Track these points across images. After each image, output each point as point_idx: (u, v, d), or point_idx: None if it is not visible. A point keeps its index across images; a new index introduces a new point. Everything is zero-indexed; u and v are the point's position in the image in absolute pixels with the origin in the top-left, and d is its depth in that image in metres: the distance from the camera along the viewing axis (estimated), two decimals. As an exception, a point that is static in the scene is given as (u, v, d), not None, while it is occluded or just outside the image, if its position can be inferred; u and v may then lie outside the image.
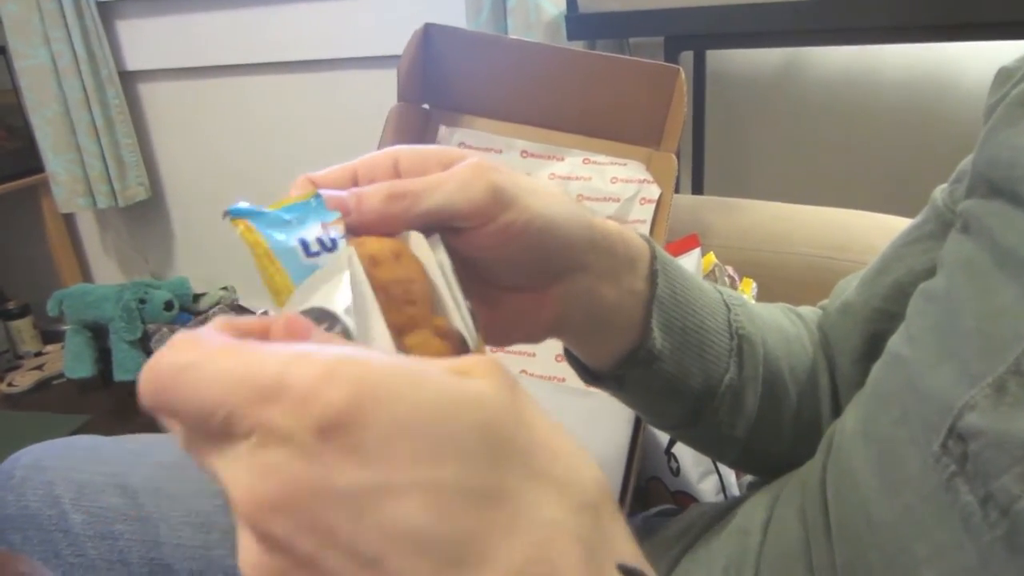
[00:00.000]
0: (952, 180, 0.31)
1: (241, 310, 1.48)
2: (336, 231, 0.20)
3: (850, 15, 0.83)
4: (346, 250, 0.19)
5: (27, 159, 1.46)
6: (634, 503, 0.45)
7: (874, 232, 0.65)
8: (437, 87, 0.60)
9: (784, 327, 0.34)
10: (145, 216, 1.58)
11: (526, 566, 0.13)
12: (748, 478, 0.46)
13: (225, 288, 1.48)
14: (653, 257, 0.28)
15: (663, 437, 0.53)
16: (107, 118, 1.40)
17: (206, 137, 1.49)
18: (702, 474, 0.52)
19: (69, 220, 1.60)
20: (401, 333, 0.18)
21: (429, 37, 0.58)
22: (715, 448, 0.36)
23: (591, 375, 0.31)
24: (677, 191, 0.67)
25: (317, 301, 0.17)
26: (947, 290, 0.25)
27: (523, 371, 0.51)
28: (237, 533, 0.14)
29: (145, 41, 1.42)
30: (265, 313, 0.19)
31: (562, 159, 0.59)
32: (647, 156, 0.58)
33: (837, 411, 0.33)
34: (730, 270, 0.62)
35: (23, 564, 0.39)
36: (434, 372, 0.14)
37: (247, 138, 1.46)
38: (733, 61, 1.15)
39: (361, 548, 0.13)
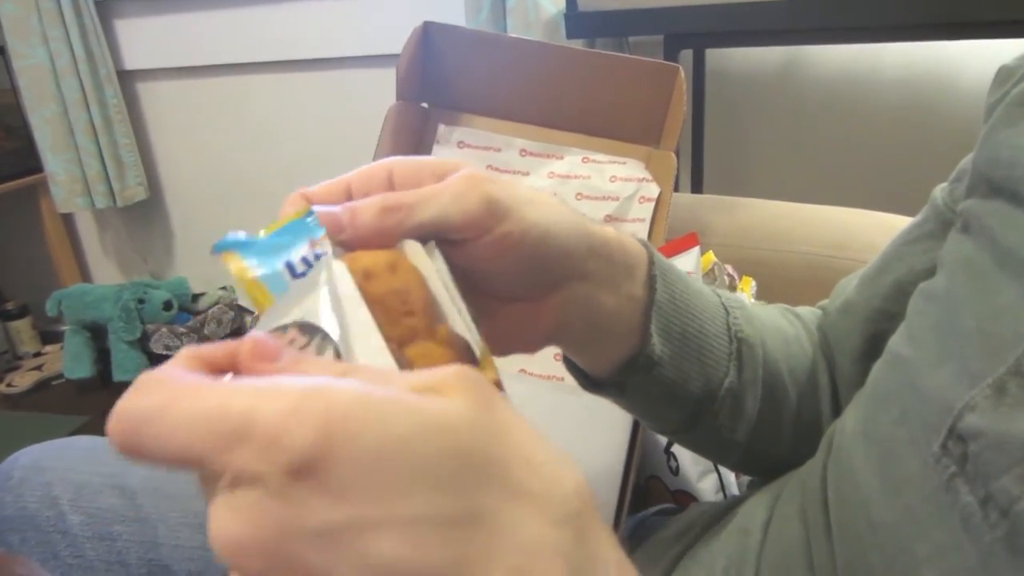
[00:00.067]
0: (952, 179, 0.31)
1: (240, 310, 1.48)
2: (323, 247, 0.19)
3: (850, 13, 0.83)
4: (326, 262, 0.18)
5: (26, 159, 1.46)
6: (633, 502, 0.45)
7: (874, 231, 0.65)
8: (436, 86, 0.60)
9: (783, 328, 0.34)
10: (144, 216, 1.58)
11: None
12: (748, 477, 0.46)
13: (224, 288, 1.48)
14: (651, 262, 0.28)
15: (662, 436, 0.53)
16: (105, 118, 1.39)
17: (205, 137, 1.48)
18: (701, 473, 0.52)
19: (68, 220, 1.60)
20: (402, 345, 0.18)
21: (428, 35, 0.58)
22: (715, 452, 0.36)
23: (591, 382, 0.31)
24: (676, 189, 0.67)
25: (297, 315, 0.17)
26: (947, 290, 0.25)
27: (522, 370, 0.51)
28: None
29: (143, 40, 1.42)
30: (258, 317, 0.19)
31: (561, 158, 0.59)
32: (646, 154, 0.57)
33: (837, 411, 0.33)
34: (729, 269, 0.61)
35: (21, 565, 0.39)
36: (403, 399, 0.14)
37: (246, 137, 1.46)
38: (733, 59, 1.14)
39: None
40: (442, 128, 0.60)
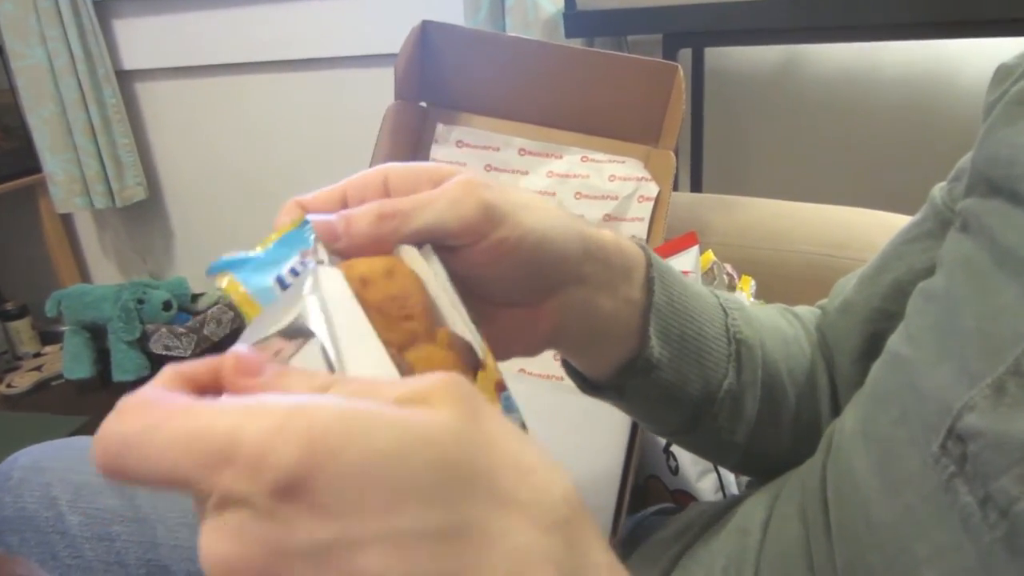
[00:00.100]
0: (951, 178, 0.31)
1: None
2: (314, 257, 0.20)
3: (849, 12, 0.83)
4: (312, 271, 0.18)
5: (24, 159, 1.46)
6: (632, 501, 0.45)
7: (873, 230, 0.64)
8: (434, 85, 0.60)
9: (781, 328, 0.34)
10: (143, 216, 1.57)
11: None
12: (747, 477, 0.45)
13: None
14: (649, 265, 0.28)
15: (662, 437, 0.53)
16: (104, 118, 1.39)
17: (204, 136, 1.48)
18: (701, 472, 0.52)
19: (67, 220, 1.60)
20: (402, 349, 0.18)
21: (426, 35, 0.58)
22: (715, 453, 0.36)
23: (589, 385, 0.31)
24: (675, 189, 0.67)
25: (281, 325, 0.17)
26: (946, 289, 0.25)
27: (521, 370, 0.51)
28: None
29: (142, 40, 1.42)
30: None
31: (560, 157, 0.59)
32: (645, 154, 0.57)
33: (836, 411, 0.33)
34: (729, 268, 0.61)
35: (20, 566, 0.39)
36: (386, 413, 0.14)
37: (245, 137, 1.46)
38: (732, 58, 1.14)
39: None
40: (440, 127, 0.60)
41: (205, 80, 1.43)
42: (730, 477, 0.52)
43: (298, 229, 0.20)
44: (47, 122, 1.39)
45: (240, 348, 0.16)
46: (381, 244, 0.21)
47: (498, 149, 0.59)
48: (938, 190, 0.32)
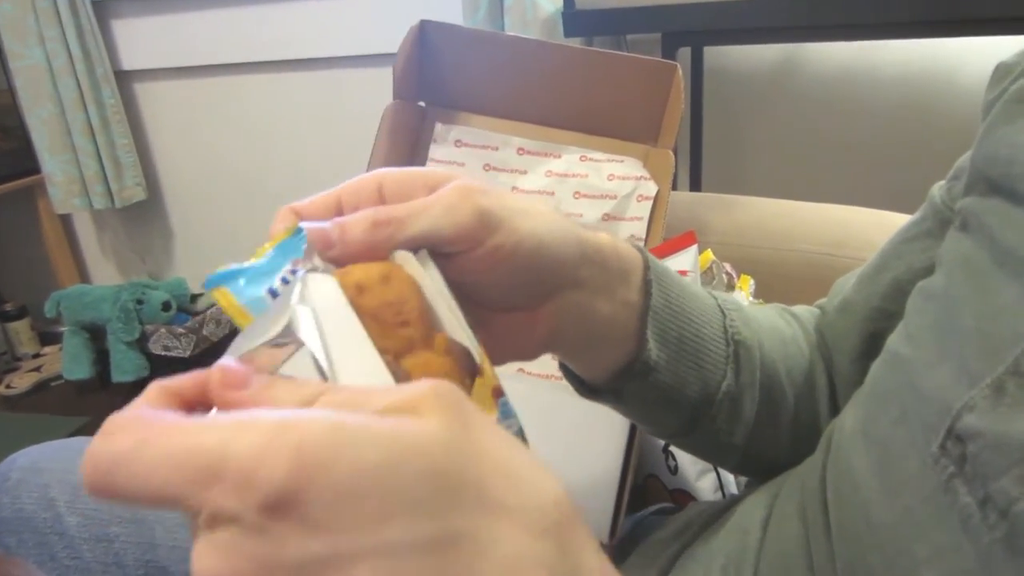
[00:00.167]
0: (950, 177, 0.31)
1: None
2: (305, 265, 0.20)
3: (848, 11, 0.83)
4: (301, 279, 0.18)
5: (23, 160, 1.46)
6: (632, 501, 0.45)
7: (873, 229, 0.64)
8: (433, 84, 0.60)
9: (780, 329, 0.34)
10: (142, 216, 1.57)
11: None
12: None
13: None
14: (646, 267, 0.28)
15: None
16: (103, 118, 1.39)
17: (203, 137, 1.48)
18: (700, 472, 0.52)
19: (66, 221, 1.60)
20: (399, 356, 0.18)
21: (425, 34, 0.58)
22: (714, 455, 0.36)
23: (587, 388, 0.31)
24: (674, 188, 0.67)
25: (270, 335, 0.17)
26: (946, 288, 0.25)
27: (520, 369, 0.51)
28: None
29: (141, 40, 1.42)
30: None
31: (559, 156, 0.59)
32: (644, 153, 0.57)
33: (835, 411, 0.33)
34: (728, 267, 0.61)
35: (18, 567, 0.39)
36: (374, 425, 0.14)
37: (244, 137, 1.45)
38: (731, 57, 1.14)
39: None
40: (439, 127, 0.60)
41: (204, 80, 1.43)
42: (729, 476, 0.52)
43: (292, 237, 0.20)
44: (46, 122, 1.39)
45: (226, 361, 0.16)
46: (376, 251, 0.21)
47: (497, 148, 0.59)
48: (937, 189, 0.32)
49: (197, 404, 0.16)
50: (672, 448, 0.53)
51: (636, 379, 0.28)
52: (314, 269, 0.19)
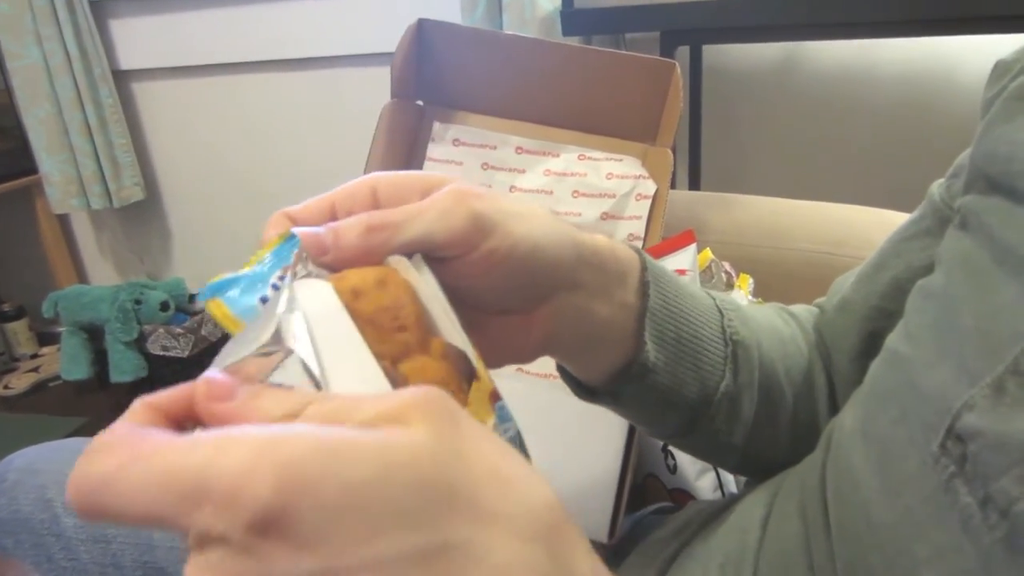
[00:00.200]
0: (949, 175, 0.31)
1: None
2: (296, 272, 0.19)
3: (847, 9, 0.83)
4: (288, 286, 0.18)
5: (20, 160, 1.45)
6: (631, 500, 0.45)
7: (872, 227, 0.64)
8: (431, 83, 0.59)
9: (778, 328, 0.34)
10: (140, 216, 1.57)
11: None
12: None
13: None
14: (644, 268, 0.28)
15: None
16: (100, 118, 1.39)
17: (201, 136, 1.48)
18: (699, 471, 0.52)
19: (64, 221, 1.60)
20: (396, 362, 0.18)
21: (423, 33, 0.57)
22: (713, 455, 0.35)
23: (585, 390, 0.31)
24: (673, 187, 0.67)
25: (259, 344, 0.17)
26: (945, 287, 0.25)
27: (518, 369, 0.51)
28: None
29: (138, 39, 1.41)
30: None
31: (557, 155, 0.59)
32: (643, 152, 0.57)
33: (834, 411, 0.33)
34: (727, 266, 0.61)
35: (15, 569, 0.38)
36: (359, 439, 0.14)
37: (242, 137, 1.45)
38: (729, 56, 1.14)
39: None
40: (437, 126, 0.60)
41: (202, 80, 1.43)
42: (729, 476, 0.52)
43: (285, 243, 0.20)
44: (43, 122, 1.39)
45: (211, 373, 0.16)
46: (370, 256, 0.20)
47: (495, 147, 0.59)
48: (936, 187, 0.32)
49: (184, 418, 0.16)
50: (671, 447, 0.53)
51: (634, 381, 0.28)
52: (308, 275, 0.19)
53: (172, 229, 1.58)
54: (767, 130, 1.17)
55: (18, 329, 1.55)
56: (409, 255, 0.21)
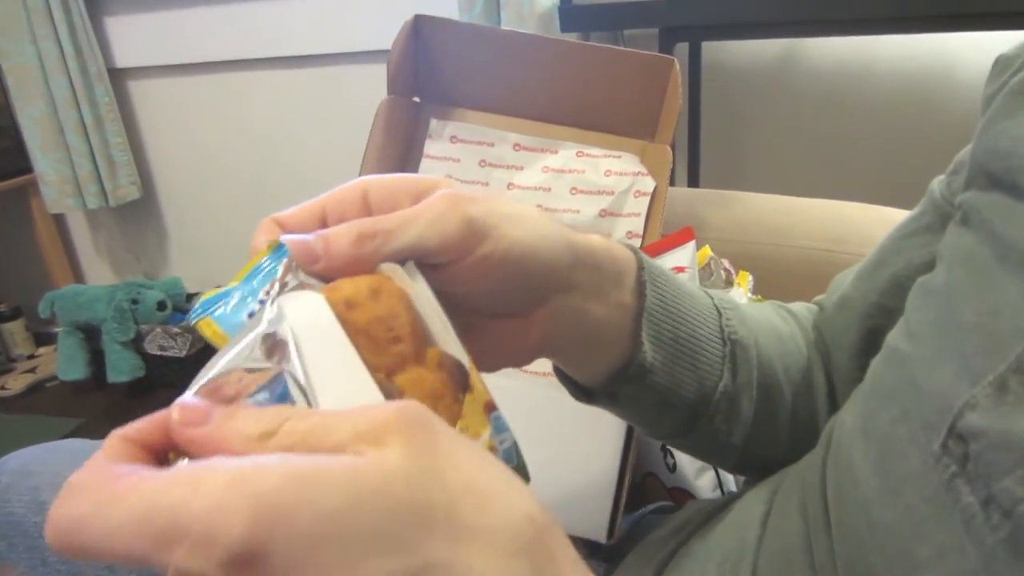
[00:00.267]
0: (950, 171, 0.31)
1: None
2: (287, 283, 0.19)
3: (847, 6, 0.82)
4: (274, 299, 0.18)
5: (15, 159, 1.45)
6: (630, 499, 0.45)
7: (872, 224, 0.64)
8: (428, 80, 0.59)
9: (777, 326, 0.34)
10: (137, 215, 1.56)
11: None
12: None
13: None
14: (640, 268, 0.28)
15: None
16: (96, 116, 1.38)
17: (198, 135, 1.47)
18: (698, 470, 0.51)
19: (59, 220, 1.59)
20: (391, 374, 0.18)
21: (419, 29, 0.57)
22: (712, 455, 0.35)
23: (582, 392, 0.30)
24: (672, 184, 0.67)
25: (240, 359, 0.17)
26: (946, 284, 0.24)
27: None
28: None
29: (134, 37, 1.41)
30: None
31: (555, 152, 0.58)
32: (641, 148, 0.57)
33: (833, 409, 0.33)
34: (726, 263, 0.61)
35: (9, 572, 0.38)
36: (332, 467, 0.14)
37: (239, 135, 1.45)
38: (728, 52, 1.14)
39: None
40: (434, 123, 0.60)
41: (198, 78, 1.42)
42: (728, 475, 0.52)
43: (273, 253, 0.20)
44: (38, 121, 1.38)
45: (185, 398, 0.16)
46: (362, 265, 0.20)
47: (492, 144, 0.59)
48: (937, 183, 0.31)
49: (161, 447, 0.16)
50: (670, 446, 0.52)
51: (632, 381, 0.28)
52: (298, 285, 0.19)
53: (169, 228, 1.58)
54: (766, 127, 1.17)
55: (14, 329, 1.55)
56: (402, 262, 0.20)
